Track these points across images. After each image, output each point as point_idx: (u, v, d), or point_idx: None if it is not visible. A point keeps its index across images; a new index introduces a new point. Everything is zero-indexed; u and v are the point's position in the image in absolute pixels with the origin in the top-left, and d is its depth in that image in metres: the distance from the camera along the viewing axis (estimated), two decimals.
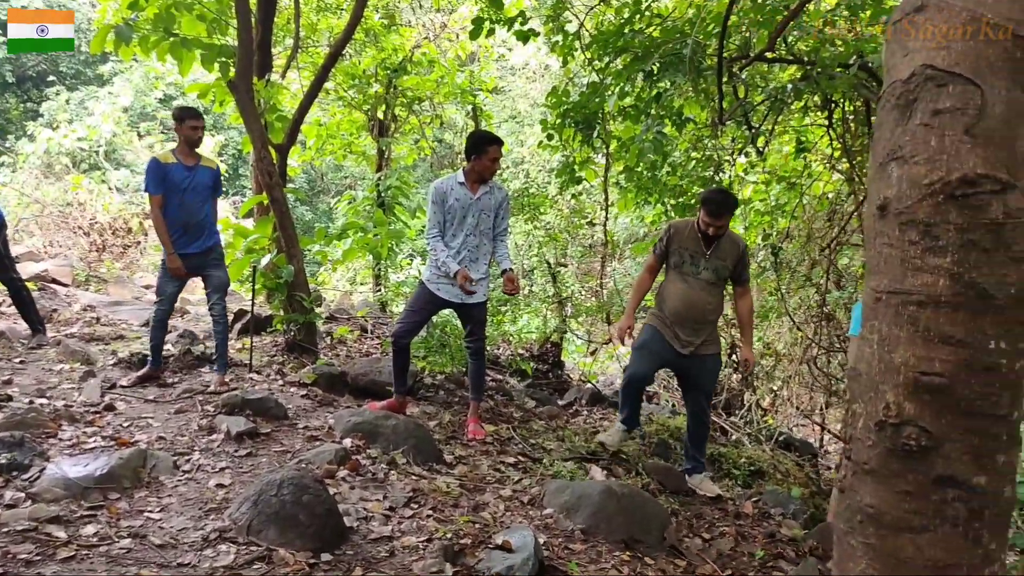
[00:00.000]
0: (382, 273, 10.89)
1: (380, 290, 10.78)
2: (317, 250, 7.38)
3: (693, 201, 8.68)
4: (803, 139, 9.26)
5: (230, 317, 6.48)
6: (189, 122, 5.07)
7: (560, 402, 6.49)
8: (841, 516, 1.64)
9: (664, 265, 4.60)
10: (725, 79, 6.90)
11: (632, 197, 7.78)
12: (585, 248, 8.63)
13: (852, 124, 8.46)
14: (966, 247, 1.47)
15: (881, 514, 1.53)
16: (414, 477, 3.96)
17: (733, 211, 4.32)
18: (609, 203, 7.57)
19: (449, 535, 3.29)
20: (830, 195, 9.85)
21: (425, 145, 11.85)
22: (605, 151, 7.37)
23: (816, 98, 8.11)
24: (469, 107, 10.35)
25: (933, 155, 1.49)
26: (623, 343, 4.41)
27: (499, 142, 4.61)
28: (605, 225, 7.61)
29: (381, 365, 5.45)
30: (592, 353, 7.95)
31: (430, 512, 3.58)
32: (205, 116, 5.46)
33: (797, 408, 10.17)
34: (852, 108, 8.24)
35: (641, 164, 7.41)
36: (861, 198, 8.66)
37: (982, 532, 1.50)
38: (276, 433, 4.32)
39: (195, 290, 9.52)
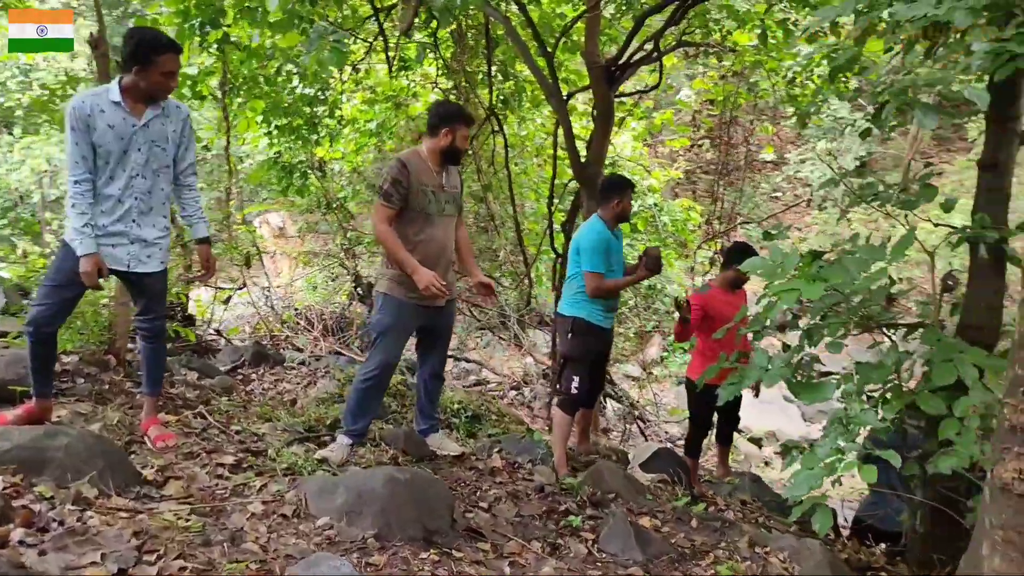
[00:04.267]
0: None
1: None
2: None
3: (301, 122, 7.93)
4: (404, 56, 8.98)
5: None
6: None
7: (222, 368, 5.39)
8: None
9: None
10: None
11: (255, 115, 6.70)
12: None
13: (466, 42, 8.43)
14: None
15: None
16: (124, 514, 2.85)
17: None
18: (230, 124, 6.41)
19: None
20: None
21: None
22: (223, 61, 6.15)
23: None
24: None
25: None
26: (448, 292, 3.70)
27: (177, 49, 3.37)
28: (227, 150, 6.43)
29: None
30: (226, 301, 6.81)
31: (179, 562, 2.60)
32: None
33: None
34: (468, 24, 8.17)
35: (269, 80, 6.39)
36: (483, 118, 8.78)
37: None
38: None
39: None
